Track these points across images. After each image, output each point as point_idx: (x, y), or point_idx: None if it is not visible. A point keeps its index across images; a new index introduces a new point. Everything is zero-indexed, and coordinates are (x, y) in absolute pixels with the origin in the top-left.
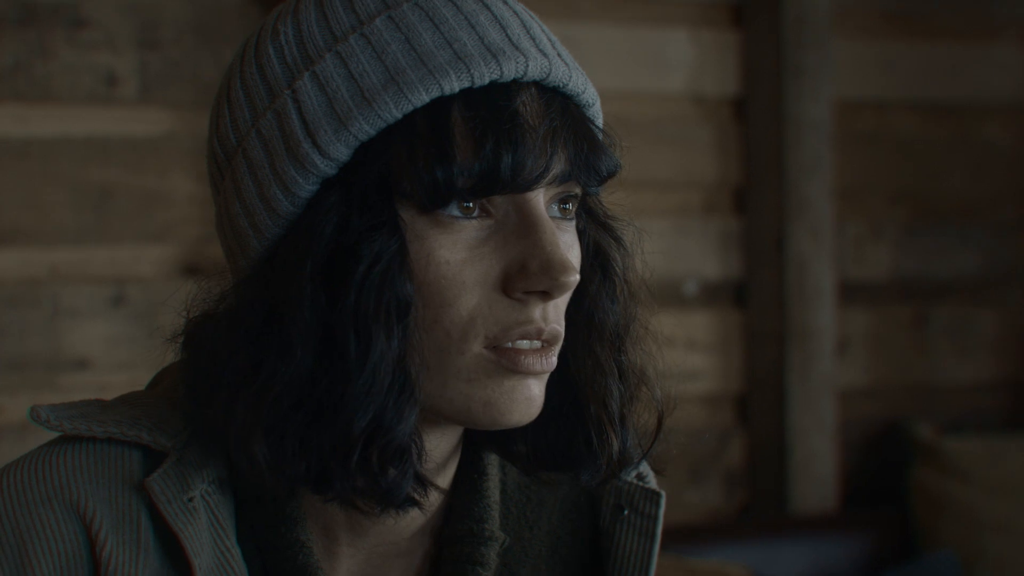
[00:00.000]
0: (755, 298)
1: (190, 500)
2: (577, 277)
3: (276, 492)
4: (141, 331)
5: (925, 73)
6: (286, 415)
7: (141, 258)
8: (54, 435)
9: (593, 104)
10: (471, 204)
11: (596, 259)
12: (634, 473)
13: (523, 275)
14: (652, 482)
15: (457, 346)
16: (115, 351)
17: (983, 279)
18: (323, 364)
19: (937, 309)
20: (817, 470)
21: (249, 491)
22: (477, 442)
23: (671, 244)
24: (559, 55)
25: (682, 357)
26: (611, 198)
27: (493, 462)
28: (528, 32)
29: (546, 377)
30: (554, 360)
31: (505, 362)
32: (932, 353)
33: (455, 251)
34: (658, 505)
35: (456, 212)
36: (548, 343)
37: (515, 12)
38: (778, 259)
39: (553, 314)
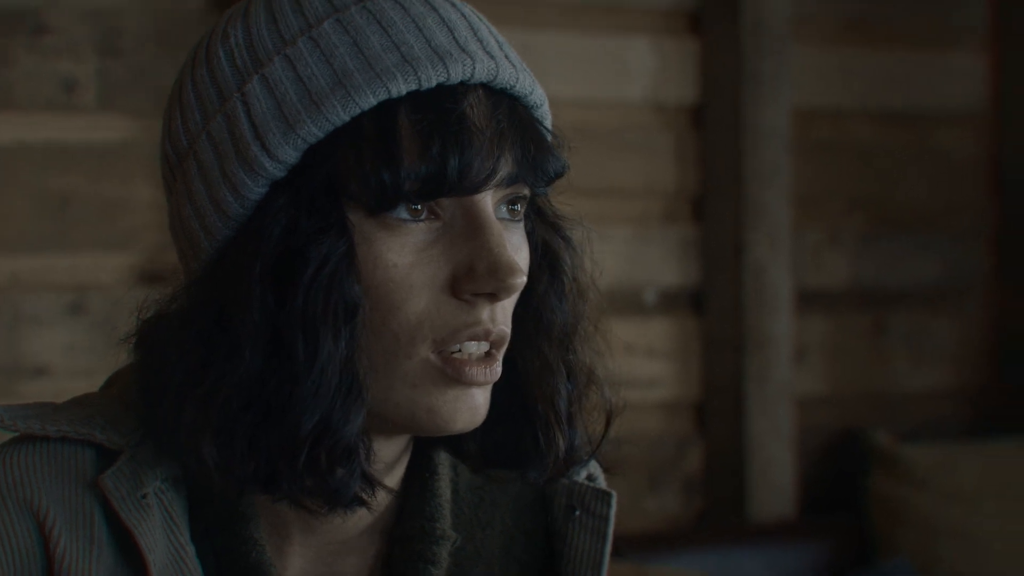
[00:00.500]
0: (713, 306)
1: (143, 497)
2: (524, 279)
3: (226, 492)
4: (101, 339)
5: (883, 81)
6: (235, 416)
7: (101, 266)
8: (7, 436)
9: (541, 105)
10: (419, 207)
11: (545, 259)
12: (584, 474)
13: (470, 277)
14: (602, 482)
15: (405, 350)
16: (75, 359)
17: (941, 287)
18: (271, 365)
19: (895, 317)
20: (775, 478)
21: (202, 490)
22: (428, 441)
23: (632, 252)
24: (506, 57)
25: (641, 365)
26: (572, 205)
27: (444, 462)
28: (476, 34)
29: (490, 386)
30: (498, 370)
31: (450, 371)
32: (889, 361)
33: (403, 254)
34: (609, 505)
35: (404, 215)
36: (495, 345)
37: (463, 15)
38: (736, 267)
39: (500, 316)
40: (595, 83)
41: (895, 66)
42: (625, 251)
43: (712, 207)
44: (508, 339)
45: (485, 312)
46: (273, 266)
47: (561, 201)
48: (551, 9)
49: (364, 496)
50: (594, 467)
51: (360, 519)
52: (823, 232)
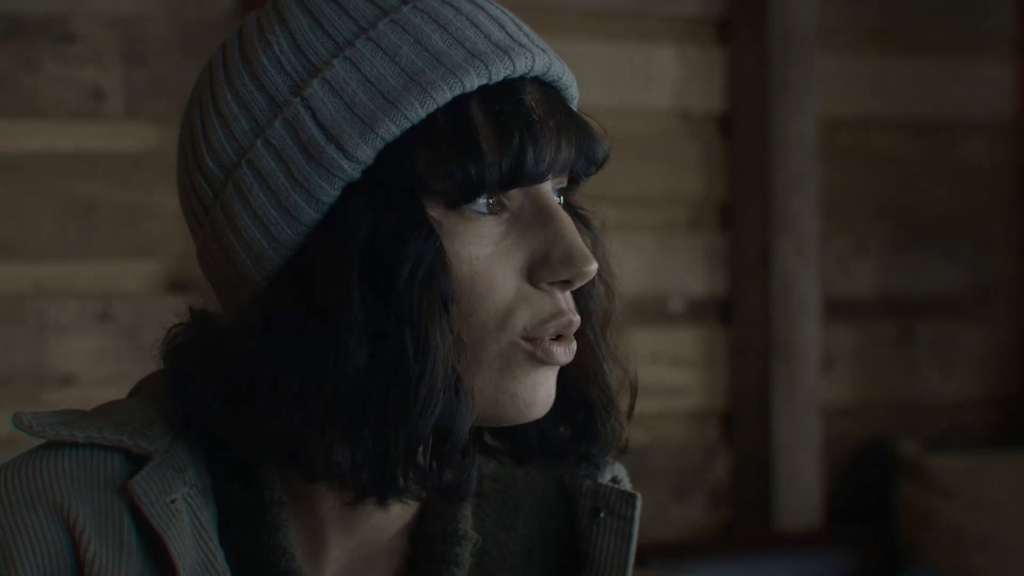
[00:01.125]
0: (740, 314)
1: (172, 502)
2: (596, 266)
3: (348, 497)
4: (126, 346)
5: (910, 89)
6: (357, 420)
7: (127, 273)
8: (37, 443)
9: (576, 98)
10: (492, 199)
11: None
12: (609, 476)
13: (546, 264)
14: (627, 484)
15: (494, 335)
16: (100, 366)
17: (967, 295)
18: (380, 367)
19: (921, 325)
20: (802, 486)
21: (230, 498)
22: None
23: (658, 260)
24: (551, 51)
25: (668, 373)
26: (601, 214)
27: None
28: (521, 30)
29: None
30: (575, 348)
31: (540, 353)
32: (916, 369)
33: (483, 246)
34: (634, 507)
35: (483, 208)
36: (570, 333)
37: (504, 12)
38: (763, 275)
39: (572, 303)
40: (620, 91)
41: (921, 74)
42: (651, 259)
43: (740, 215)
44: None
45: (564, 302)
46: (366, 268)
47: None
48: (576, 16)
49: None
50: (618, 468)
51: (399, 517)
52: (850, 240)
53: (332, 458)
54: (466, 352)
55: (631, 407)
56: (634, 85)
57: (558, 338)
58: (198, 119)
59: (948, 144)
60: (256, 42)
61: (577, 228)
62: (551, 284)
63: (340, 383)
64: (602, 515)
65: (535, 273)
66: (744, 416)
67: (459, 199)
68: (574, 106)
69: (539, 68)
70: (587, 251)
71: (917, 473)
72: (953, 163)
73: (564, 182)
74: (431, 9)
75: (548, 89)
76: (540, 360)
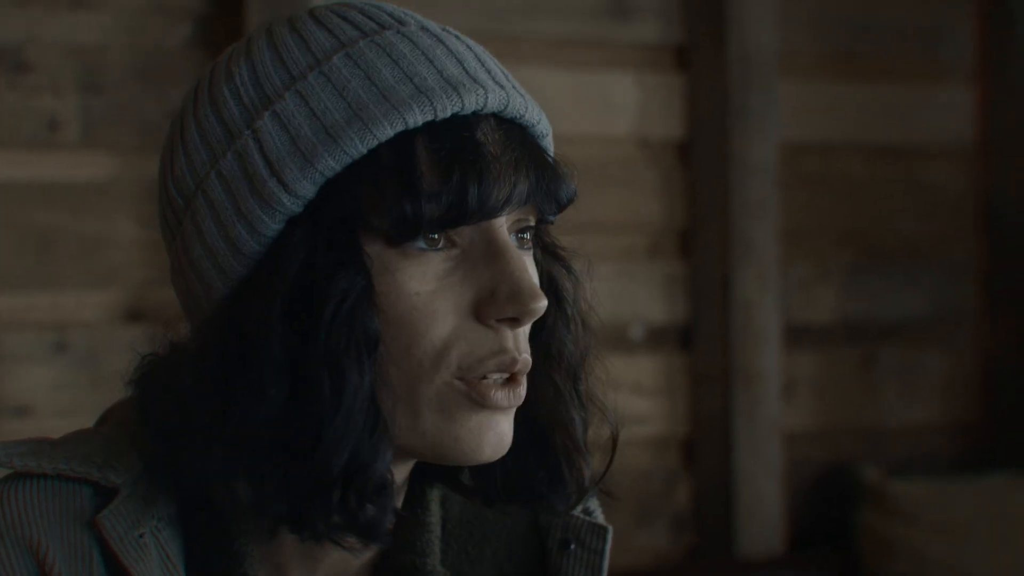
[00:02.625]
0: (701, 341)
1: (140, 536)
2: (545, 303)
3: (258, 531)
4: (84, 377)
5: (871, 115)
6: (265, 456)
7: (84, 303)
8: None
9: (547, 135)
10: (436, 235)
11: (550, 289)
12: (580, 508)
13: (493, 301)
14: (599, 517)
15: (428, 375)
16: (57, 398)
17: (930, 321)
18: (297, 403)
19: (884, 351)
20: (764, 513)
21: (197, 528)
22: (422, 476)
23: (617, 287)
24: (514, 87)
25: (628, 401)
26: (560, 240)
27: (435, 497)
28: (483, 65)
29: (513, 412)
30: (522, 393)
31: (475, 396)
32: (879, 395)
33: (424, 282)
34: (604, 540)
35: (423, 244)
36: (519, 373)
37: (468, 46)
38: (724, 302)
39: (523, 343)
40: (580, 118)
41: (883, 100)
42: (610, 286)
43: (699, 242)
44: (530, 366)
45: (509, 339)
46: (292, 302)
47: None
48: (536, 44)
49: (390, 527)
50: (592, 501)
51: (363, 553)
52: (812, 267)
53: (233, 494)
54: (395, 392)
55: (612, 456)
56: (594, 112)
57: (506, 382)
58: (169, 149)
59: (910, 170)
60: (222, 74)
61: (556, 268)
62: (500, 321)
63: (249, 418)
64: (572, 547)
65: (482, 310)
66: (705, 443)
67: (397, 236)
68: (545, 143)
69: (494, 105)
70: (536, 287)
71: (879, 499)
72: (915, 189)
73: (531, 220)
74: (388, 44)
75: (508, 126)
76: (476, 403)
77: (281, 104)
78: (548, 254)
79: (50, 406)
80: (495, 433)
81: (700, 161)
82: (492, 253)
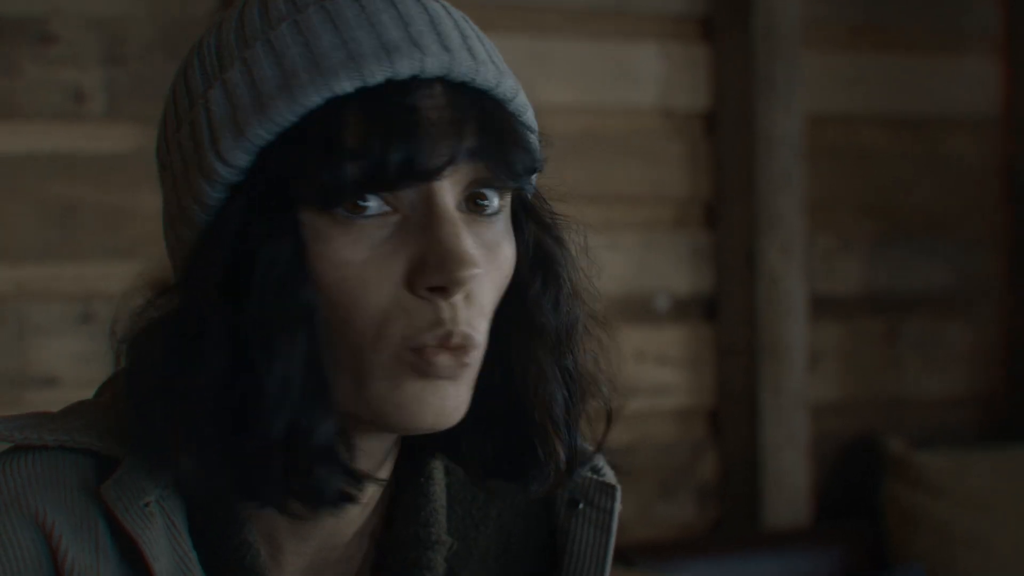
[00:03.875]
0: (726, 313)
1: (145, 505)
2: (476, 271)
3: (213, 501)
4: (109, 348)
5: (895, 86)
6: (205, 425)
7: (109, 275)
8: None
9: (513, 99)
10: (366, 202)
11: (537, 260)
12: (588, 467)
13: (421, 270)
14: (608, 475)
15: (371, 344)
16: (83, 368)
17: (953, 293)
18: (235, 372)
19: (907, 323)
20: (789, 485)
21: (198, 495)
22: (424, 447)
23: (641, 259)
24: (469, 50)
25: (653, 372)
26: (582, 213)
27: (439, 466)
28: (434, 28)
29: (464, 381)
30: (469, 363)
31: (422, 365)
32: (903, 367)
33: (356, 250)
34: (613, 498)
35: (345, 212)
36: (463, 349)
37: (424, 8)
38: (749, 274)
39: (465, 315)
40: (603, 89)
41: (907, 71)
42: (634, 258)
43: (725, 214)
44: (477, 344)
45: (445, 311)
46: (228, 271)
47: (568, 207)
48: (558, 16)
49: (351, 492)
50: (599, 460)
51: (351, 523)
52: (836, 238)
53: (178, 463)
54: (340, 360)
55: (605, 432)
56: (617, 84)
57: (452, 350)
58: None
59: (934, 141)
60: (196, 43)
61: (545, 239)
62: (432, 291)
63: (191, 388)
64: (581, 506)
65: (410, 279)
66: (731, 414)
67: (321, 202)
68: (513, 107)
69: (433, 69)
70: (467, 255)
71: (904, 470)
72: (939, 160)
73: (491, 187)
74: (335, 9)
75: (458, 91)
76: (421, 371)
77: (230, 72)
78: (537, 223)
79: (76, 377)
80: (438, 400)
81: (725, 133)
82: (427, 219)
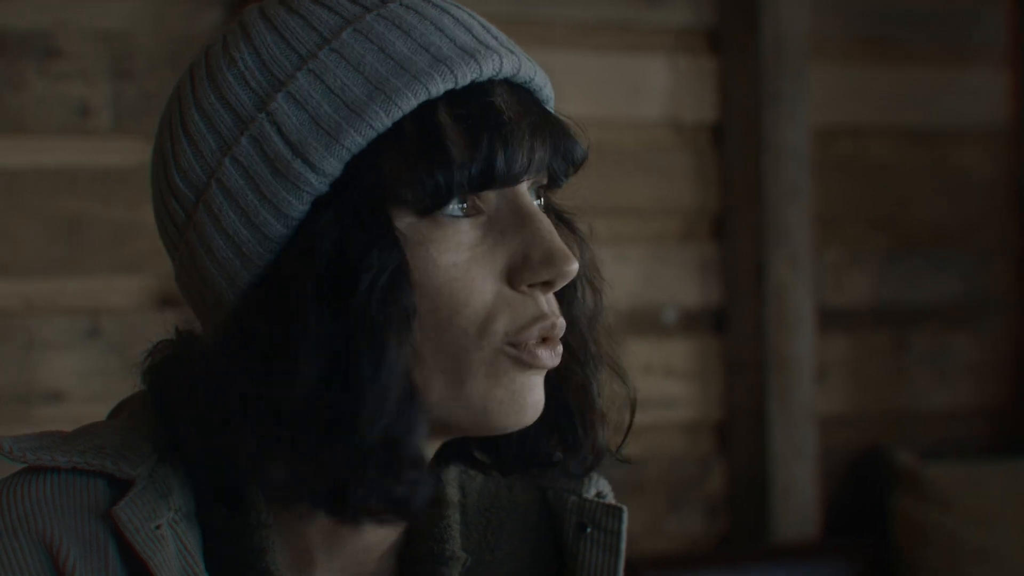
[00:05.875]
0: (734, 325)
1: (157, 528)
2: (578, 265)
3: (287, 518)
4: (116, 363)
5: (903, 99)
6: (299, 435)
7: (115, 289)
8: (19, 467)
9: (552, 99)
10: (465, 203)
11: None
12: (594, 491)
13: (527, 266)
14: (611, 498)
15: (475, 343)
16: (90, 383)
17: (962, 305)
18: (333, 381)
19: (916, 336)
20: (798, 498)
21: (215, 522)
22: (439, 460)
23: (649, 272)
24: (522, 52)
25: (661, 385)
26: (590, 226)
27: (451, 483)
28: (490, 32)
29: (544, 374)
30: (560, 352)
31: (526, 357)
32: (912, 380)
33: (459, 252)
34: (620, 520)
35: (456, 212)
36: (556, 336)
37: (471, 15)
38: (757, 286)
39: (556, 306)
40: (611, 102)
41: (915, 84)
42: (643, 270)
43: (733, 227)
44: (564, 329)
45: (545, 304)
46: (327, 282)
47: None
48: (566, 29)
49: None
50: (603, 484)
51: (384, 539)
52: (844, 251)
53: (269, 477)
54: (436, 364)
55: (631, 418)
56: (625, 96)
57: (543, 341)
58: (168, 142)
59: (942, 154)
60: (222, 61)
61: (561, 231)
62: (532, 287)
63: (284, 397)
64: (589, 530)
65: (515, 276)
66: (739, 427)
67: (429, 206)
68: (550, 107)
69: (508, 70)
70: (568, 251)
71: (913, 483)
72: (947, 173)
73: (543, 181)
74: (394, 16)
75: (520, 91)
76: (526, 364)
77: (295, 84)
78: (554, 216)
79: (82, 392)
80: (535, 393)
81: (732, 145)
82: (520, 218)
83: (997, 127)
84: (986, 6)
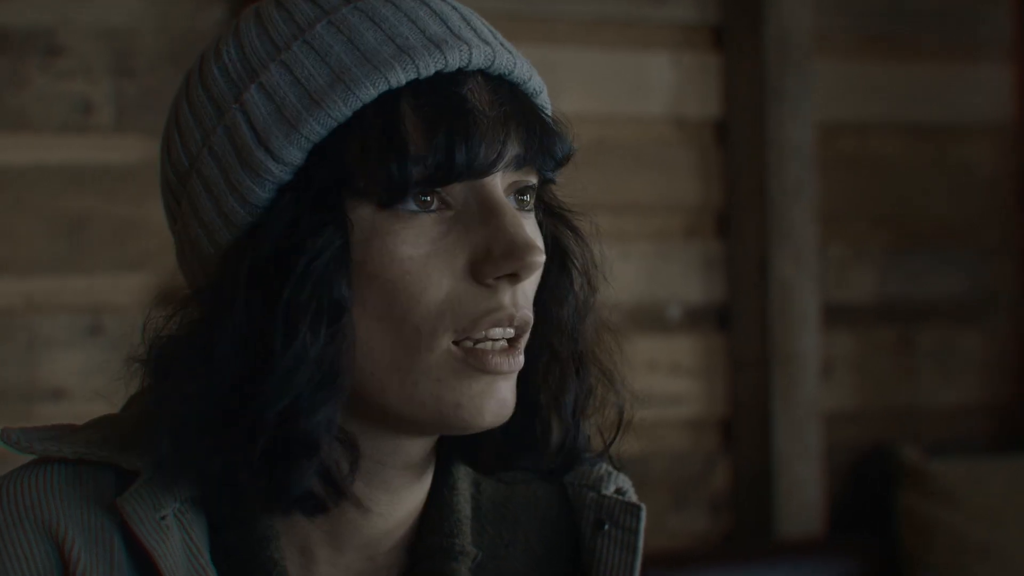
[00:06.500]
0: (738, 322)
1: (162, 519)
2: (543, 257)
3: (232, 517)
4: (118, 361)
5: (907, 95)
6: (205, 411)
7: (117, 287)
8: (27, 459)
9: (541, 92)
10: (428, 197)
11: (554, 251)
12: (613, 487)
13: (489, 259)
14: (632, 496)
15: (426, 342)
16: (92, 381)
17: (967, 301)
18: (248, 361)
19: (921, 332)
20: (802, 495)
21: (221, 511)
22: (449, 455)
23: (653, 268)
24: (502, 44)
25: (665, 382)
26: (593, 222)
27: (464, 477)
28: (469, 23)
29: (514, 376)
30: (521, 359)
31: (473, 361)
32: (917, 376)
33: (418, 245)
34: (638, 518)
35: (414, 206)
36: (519, 330)
37: (453, 7)
38: (761, 283)
39: (522, 299)
40: (614, 99)
41: (919, 80)
42: (647, 267)
43: (737, 223)
44: (531, 325)
45: (507, 296)
46: (266, 262)
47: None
48: (569, 25)
49: (320, 495)
50: (623, 480)
51: (388, 534)
52: (848, 247)
53: (163, 446)
54: (396, 360)
55: (619, 422)
56: (628, 93)
57: (508, 343)
58: (166, 134)
59: (947, 149)
60: (212, 54)
61: (561, 230)
62: (498, 279)
63: (201, 376)
64: (607, 527)
65: (478, 270)
66: (744, 424)
67: (385, 198)
68: (540, 100)
69: (479, 61)
70: (532, 241)
71: (918, 480)
72: (952, 168)
73: (531, 180)
74: (370, 8)
75: (497, 83)
76: (476, 368)
77: (266, 75)
78: (551, 215)
79: (85, 390)
80: (496, 399)
81: (737, 142)
82: (486, 211)
83: (1002, 123)
84: (990, 2)
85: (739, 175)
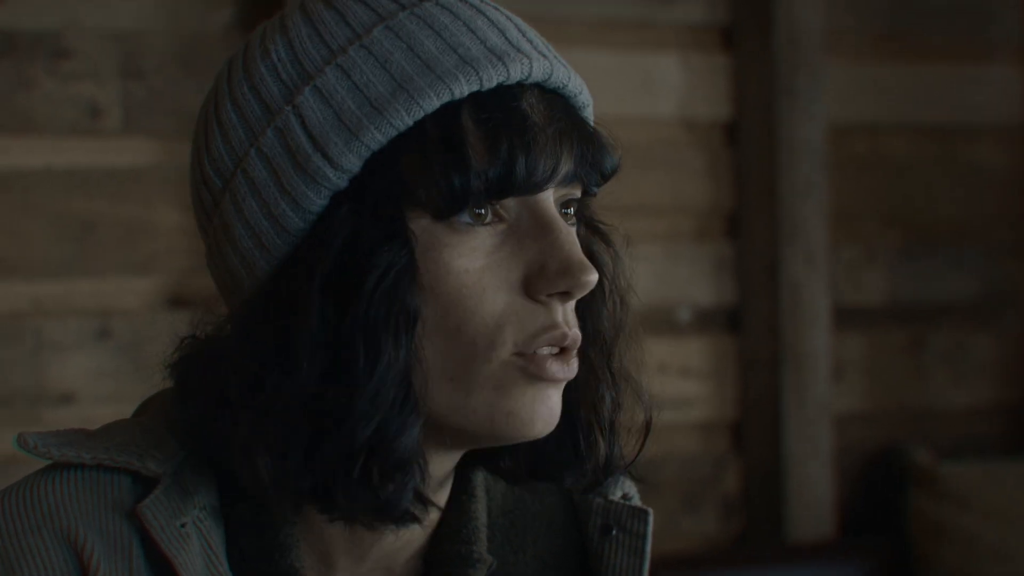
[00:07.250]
0: (749, 324)
1: (182, 526)
2: (596, 276)
3: (282, 509)
4: (126, 364)
5: (919, 95)
6: (291, 429)
7: (126, 290)
8: (41, 464)
9: (588, 105)
10: (483, 210)
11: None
12: (619, 493)
13: (543, 276)
14: (638, 500)
15: (484, 354)
16: (100, 384)
17: (979, 303)
18: (330, 377)
19: (933, 333)
20: (813, 497)
21: (240, 518)
22: (468, 462)
23: (662, 270)
24: (556, 57)
25: (676, 384)
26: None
27: (480, 484)
28: (525, 35)
29: (563, 386)
30: (575, 366)
31: (533, 369)
32: (928, 378)
33: (473, 258)
34: (646, 523)
35: (470, 219)
36: (570, 348)
37: (508, 17)
38: (772, 284)
39: (572, 318)
40: (624, 100)
41: (930, 80)
42: (657, 269)
43: (747, 224)
44: (580, 342)
45: (559, 313)
46: (334, 276)
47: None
48: (579, 27)
49: (416, 512)
50: (629, 486)
51: (409, 543)
52: (860, 248)
53: (255, 469)
54: (444, 372)
55: (644, 438)
56: (638, 94)
57: (559, 353)
58: (203, 130)
59: (958, 150)
60: (257, 52)
61: (597, 243)
62: (550, 297)
63: (279, 391)
64: (614, 532)
65: (532, 285)
66: (754, 426)
67: (444, 210)
68: (586, 114)
69: (538, 75)
70: (586, 261)
71: (929, 482)
72: (963, 169)
73: (576, 193)
74: (428, 15)
75: (551, 97)
76: (534, 376)
77: (322, 79)
78: (589, 228)
79: (93, 393)
80: (547, 406)
81: (747, 142)
82: (540, 227)
83: (1014, 123)
84: (1002, 2)
85: (749, 176)
